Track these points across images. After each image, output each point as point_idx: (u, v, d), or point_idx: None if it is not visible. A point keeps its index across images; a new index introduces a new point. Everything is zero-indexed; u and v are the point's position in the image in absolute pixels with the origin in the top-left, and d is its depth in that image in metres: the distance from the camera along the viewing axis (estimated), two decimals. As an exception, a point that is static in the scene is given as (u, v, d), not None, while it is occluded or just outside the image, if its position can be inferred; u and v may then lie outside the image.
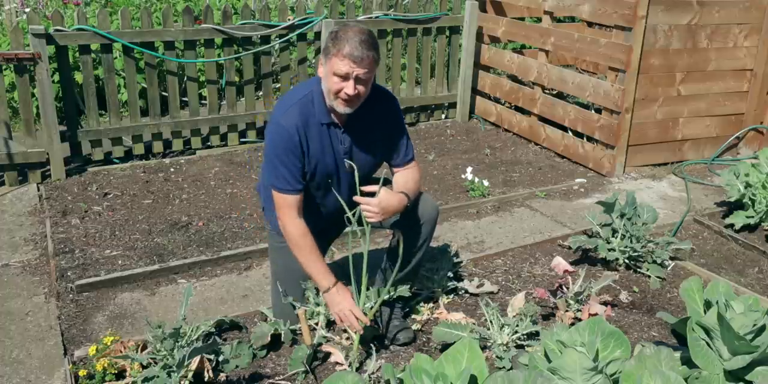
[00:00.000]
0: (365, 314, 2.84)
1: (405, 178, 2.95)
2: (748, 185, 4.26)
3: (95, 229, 4.18)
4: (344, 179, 2.90)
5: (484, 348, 2.94)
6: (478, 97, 6.52)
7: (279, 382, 2.80)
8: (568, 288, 3.35)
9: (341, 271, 3.36)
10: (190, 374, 2.62)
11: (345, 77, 2.63)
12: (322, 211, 2.97)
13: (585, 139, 5.41)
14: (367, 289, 2.92)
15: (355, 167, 2.80)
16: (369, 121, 2.84)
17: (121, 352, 2.74)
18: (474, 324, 3.12)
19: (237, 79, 6.08)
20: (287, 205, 2.79)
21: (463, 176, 5.00)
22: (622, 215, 3.72)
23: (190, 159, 5.39)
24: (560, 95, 6.05)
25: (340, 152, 2.83)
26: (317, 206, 2.95)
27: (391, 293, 2.95)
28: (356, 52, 2.59)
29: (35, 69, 4.68)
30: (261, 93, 6.02)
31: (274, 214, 2.99)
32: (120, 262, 3.82)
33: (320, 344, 2.94)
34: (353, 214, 2.79)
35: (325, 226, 3.06)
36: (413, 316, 3.26)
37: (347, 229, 3.16)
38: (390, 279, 2.95)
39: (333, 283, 2.83)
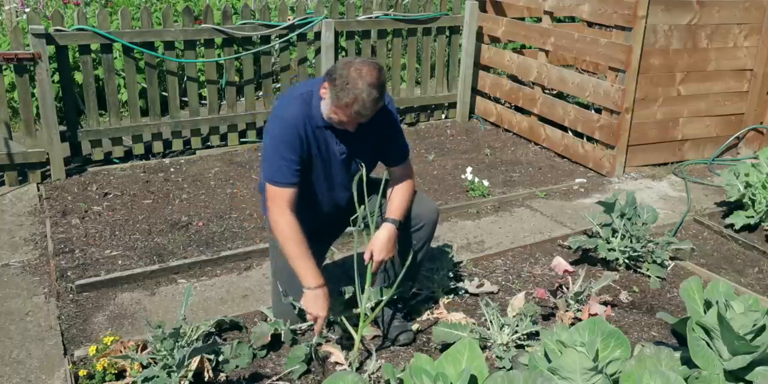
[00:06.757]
0: (367, 315, 2.85)
1: (398, 193, 2.91)
2: (748, 185, 4.26)
3: (95, 229, 4.18)
4: (340, 179, 2.90)
5: (484, 348, 2.94)
6: (478, 97, 6.52)
7: (279, 382, 2.81)
8: (568, 288, 3.35)
9: (341, 271, 3.37)
10: (190, 374, 2.62)
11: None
12: (319, 211, 2.97)
13: (585, 139, 5.41)
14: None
15: (361, 167, 2.81)
16: (366, 123, 2.82)
17: (121, 352, 2.74)
18: (474, 324, 3.13)
19: (237, 79, 6.08)
20: (280, 198, 2.75)
21: (463, 176, 5.00)
22: (622, 215, 3.72)
23: (190, 159, 5.39)
24: (560, 95, 6.05)
25: (336, 153, 2.83)
26: (314, 206, 2.95)
27: (392, 294, 2.95)
28: (366, 111, 2.59)
29: (35, 69, 4.68)
30: (261, 93, 6.02)
31: None
32: (120, 262, 3.82)
33: (320, 344, 2.95)
34: (354, 216, 2.81)
35: (324, 226, 3.07)
36: (413, 316, 3.26)
37: (348, 229, 3.18)
38: (391, 280, 2.96)
39: (321, 284, 2.78)
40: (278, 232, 2.77)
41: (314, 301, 2.78)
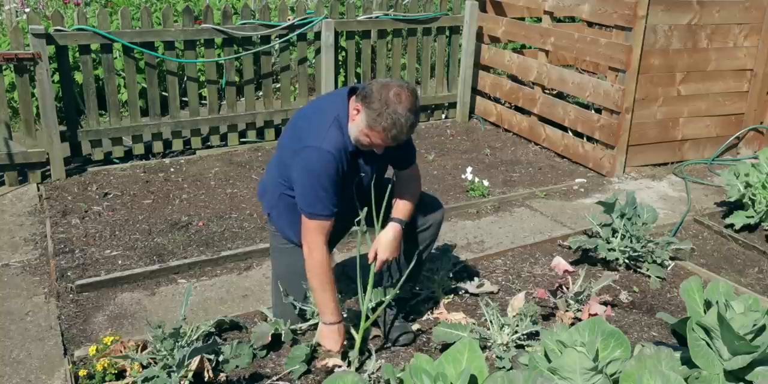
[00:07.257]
0: (368, 317, 2.85)
1: (405, 194, 2.92)
2: (748, 185, 4.26)
3: (95, 229, 4.18)
4: (360, 193, 2.91)
5: (484, 348, 2.94)
6: (478, 97, 6.52)
7: (279, 382, 2.80)
8: (568, 288, 3.35)
9: (341, 272, 3.37)
10: (190, 374, 2.62)
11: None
12: (338, 224, 2.97)
13: (585, 139, 5.41)
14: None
15: (368, 175, 2.85)
16: None
17: (121, 352, 2.74)
18: (474, 324, 3.13)
19: (237, 79, 6.08)
20: (319, 230, 2.73)
21: (463, 176, 5.00)
22: (622, 215, 3.72)
23: (190, 159, 5.39)
24: (560, 95, 6.05)
25: (367, 172, 2.85)
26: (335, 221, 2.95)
27: (394, 294, 2.95)
28: (402, 136, 2.59)
29: (35, 69, 4.68)
30: (261, 93, 6.02)
31: (282, 221, 2.97)
32: (120, 262, 3.82)
33: (320, 344, 2.95)
34: (363, 216, 2.82)
35: (335, 233, 3.06)
36: (413, 317, 3.26)
37: (352, 229, 3.18)
38: (394, 280, 2.96)
39: (338, 321, 2.83)
40: (308, 264, 2.78)
41: (329, 336, 2.83)
